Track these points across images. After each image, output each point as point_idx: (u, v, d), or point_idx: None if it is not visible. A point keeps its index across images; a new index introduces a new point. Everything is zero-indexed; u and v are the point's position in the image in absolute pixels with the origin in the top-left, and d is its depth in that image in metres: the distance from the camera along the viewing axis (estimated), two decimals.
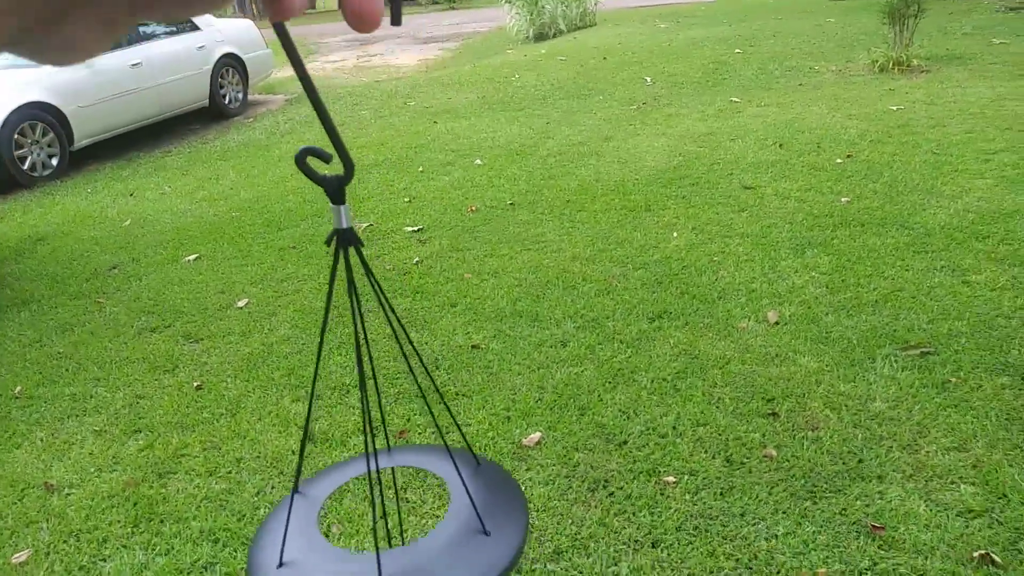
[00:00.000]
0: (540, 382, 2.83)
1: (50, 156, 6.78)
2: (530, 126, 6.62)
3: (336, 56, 14.92)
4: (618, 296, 3.42)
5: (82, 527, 2.36)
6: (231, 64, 8.73)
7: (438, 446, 0.90)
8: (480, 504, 0.78)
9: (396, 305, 3.57)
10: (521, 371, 2.92)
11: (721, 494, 2.22)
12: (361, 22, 0.37)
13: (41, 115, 6.64)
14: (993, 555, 1.93)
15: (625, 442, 2.47)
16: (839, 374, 2.70)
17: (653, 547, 2.06)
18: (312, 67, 12.22)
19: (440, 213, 4.70)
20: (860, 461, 2.29)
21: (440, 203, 4.89)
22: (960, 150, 4.75)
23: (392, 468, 0.92)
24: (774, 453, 2.35)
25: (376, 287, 0.78)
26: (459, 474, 0.81)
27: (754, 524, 2.10)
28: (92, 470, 2.63)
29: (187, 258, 4.44)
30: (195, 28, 8.35)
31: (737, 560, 1.99)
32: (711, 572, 1.96)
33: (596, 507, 2.22)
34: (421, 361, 0.86)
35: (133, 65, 7.44)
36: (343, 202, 0.66)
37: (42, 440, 2.83)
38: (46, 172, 6.73)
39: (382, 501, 0.92)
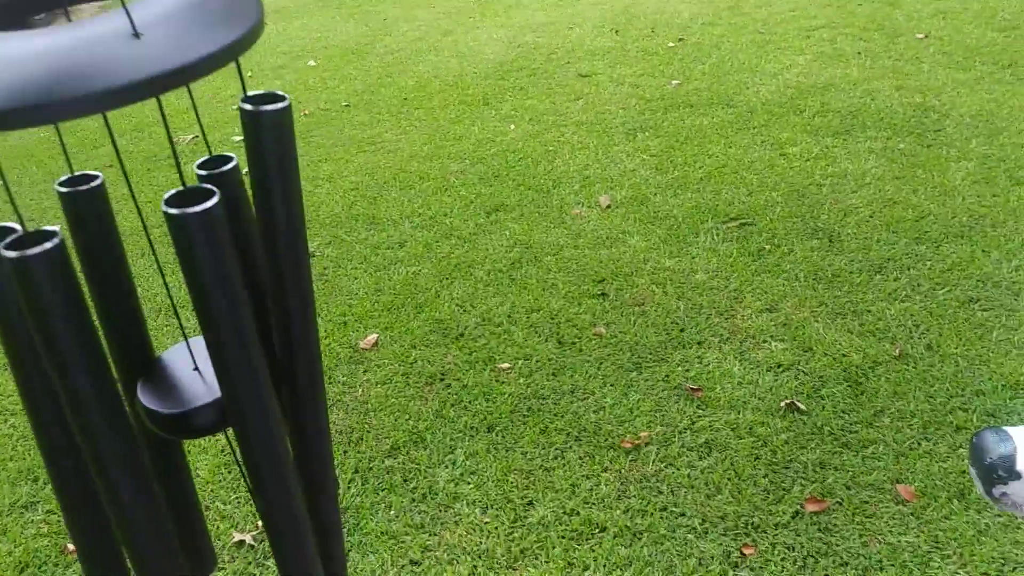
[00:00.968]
0: (377, 284, 2.79)
1: None
2: (367, 24, 6.34)
3: None
4: (456, 192, 3.39)
5: None
6: None
7: None
8: None
9: None
10: (358, 275, 2.87)
11: (553, 375, 2.28)
12: None
13: None
14: (798, 403, 2.08)
15: (462, 335, 2.49)
16: (665, 251, 2.79)
17: (488, 432, 2.11)
18: None
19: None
20: (682, 330, 2.40)
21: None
22: (783, 28, 4.90)
23: None
24: (603, 331, 2.43)
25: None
26: None
27: (584, 399, 2.18)
28: None
29: None
30: None
31: (568, 434, 2.07)
32: (543, 448, 2.03)
33: (433, 400, 2.24)
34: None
35: None
36: None
37: None
38: None
39: None
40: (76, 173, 0.66)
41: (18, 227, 0.61)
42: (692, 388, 2.17)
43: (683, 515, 1.82)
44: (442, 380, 2.31)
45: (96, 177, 0.67)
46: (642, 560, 1.72)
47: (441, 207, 3.28)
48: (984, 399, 2.03)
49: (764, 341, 2.32)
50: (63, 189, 0.66)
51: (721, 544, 1.75)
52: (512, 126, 3.97)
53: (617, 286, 2.63)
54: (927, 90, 3.77)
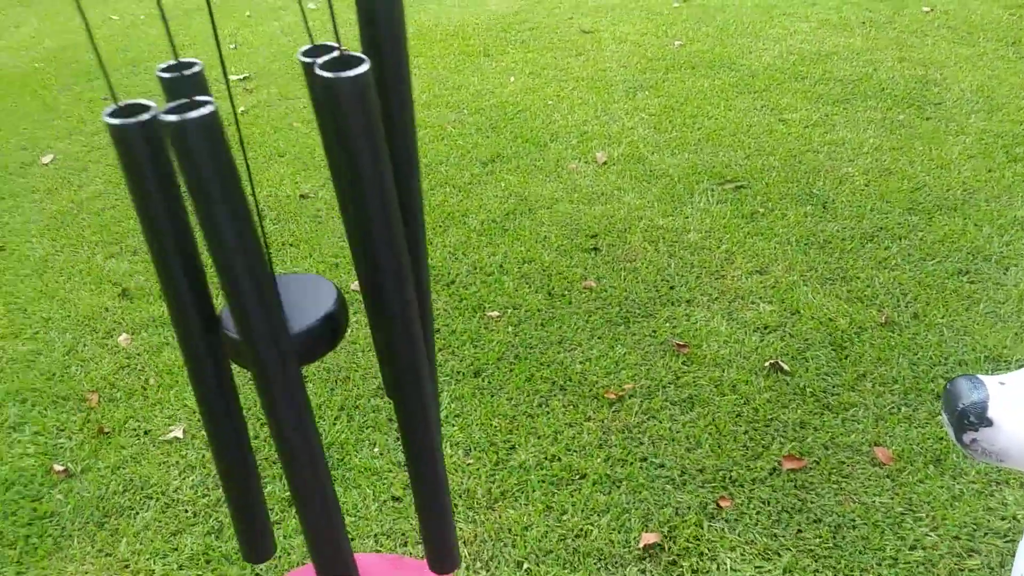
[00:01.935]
0: None
1: None
2: None
3: None
4: (452, 142, 3.36)
5: None
6: None
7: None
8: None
9: None
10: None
11: (542, 325, 2.29)
12: None
13: None
14: (782, 363, 2.10)
15: (453, 282, 2.50)
16: (659, 209, 2.79)
17: (475, 376, 2.12)
18: None
19: (268, 61, 4.41)
20: (671, 288, 2.41)
21: (269, 50, 4.58)
22: None
23: None
24: (593, 285, 2.44)
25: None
26: None
27: (570, 350, 2.20)
28: None
29: None
30: None
31: (553, 383, 2.09)
32: (528, 394, 2.05)
33: None
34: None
35: None
36: None
37: None
38: None
39: None
40: (177, 61, 0.66)
41: (151, 103, 0.60)
42: (679, 344, 2.19)
43: (662, 466, 1.85)
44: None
45: (195, 64, 0.67)
46: (619, 507, 1.75)
47: (437, 156, 3.26)
48: (966, 369, 2.05)
49: (752, 302, 2.33)
50: (165, 75, 0.66)
51: (698, 496, 1.77)
52: (512, 78, 3.93)
53: (609, 242, 2.64)
54: (929, 63, 3.76)
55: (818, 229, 2.63)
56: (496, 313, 2.35)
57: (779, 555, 1.64)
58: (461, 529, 1.71)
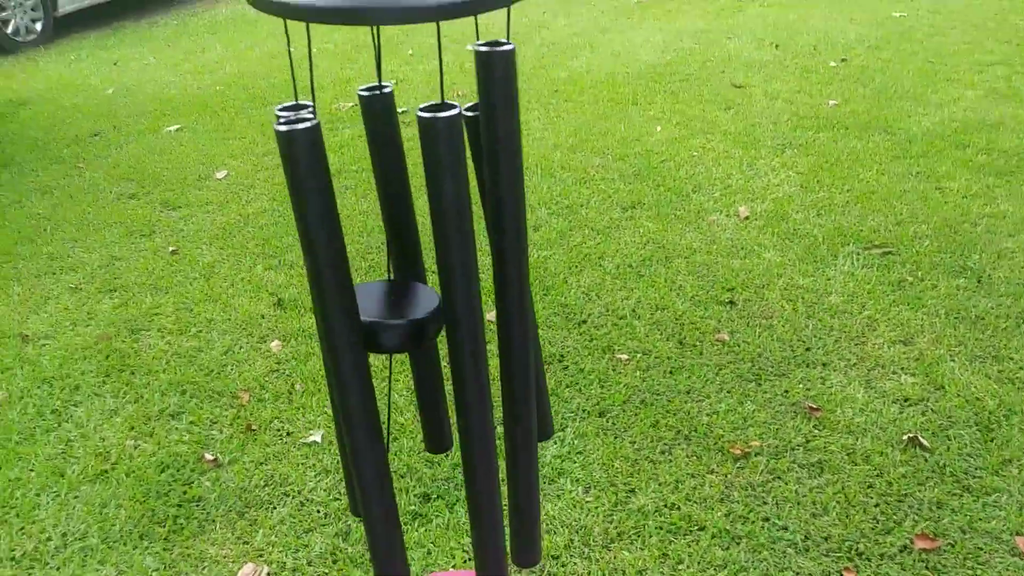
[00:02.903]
0: None
1: (34, 21, 6.62)
2: (526, 14, 6.47)
3: None
4: (595, 185, 3.44)
5: (55, 375, 2.44)
6: None
7: None
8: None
9: (373, 184, 3.59)
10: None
11: (671, 372, 2.30)
12: None
13: None
14: (922, 439, 2.02)
15: (584, 321, 2.54)
16: (800, 269, 2.75)
17: (600, 416, 2.15)
18: None
19: (426, 97, 4.65)
20: (808, 349, 2.36)
21: (427, 87, 4.83)
22: (955, 60, 4.68)
23: None
24: (726, 338, 2.43)
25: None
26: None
27: (698, 401, 2.19)
28: (67, 324, 2.69)
29: (168, 128, 4.42)
30: None
31: (677, 431, 2.09)
32: (651, 440, 2.06)
33: (550, 379, 2.30)
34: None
35: None
36: None
37: (19, 295, 2.89)
38: (30, 37, 6.59)
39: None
40: (371, 84, 0.90)
41: (308, 103, 0.81)
42: (811, 407, 2.14)
43: (785, 528, 1.81)
44: (560, 361, 2.37)
45: (388, 86, 0.89)
46: (737, 564, 1.73)
47: (579, 198, 3.33)
48: None
49: (894, 372, 2.26)
50: (364, 93, 0.88)
51: (821, 564, 1.73)
52: (659, 128, 3.98)
53: (746, 296, 2.62)
54: None
55: (971, 304, 2.52)
56: (625, 356, 2.37)
57: None
58: (575, 564, 1.74)
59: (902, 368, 2.27)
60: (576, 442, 2.07)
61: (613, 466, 1.99)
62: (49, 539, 1.88)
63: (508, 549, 1.03)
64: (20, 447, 2.16)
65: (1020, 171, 3.32)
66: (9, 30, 6.42)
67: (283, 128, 0.73)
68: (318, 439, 2.12)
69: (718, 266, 2.79)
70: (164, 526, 1.90)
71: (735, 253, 2.86)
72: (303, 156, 0.74)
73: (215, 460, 2.08)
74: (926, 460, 1.96)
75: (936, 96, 4.16)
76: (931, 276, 2.66)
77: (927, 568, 1.70)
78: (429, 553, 1.79)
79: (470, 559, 1.77)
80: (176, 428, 2.20)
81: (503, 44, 0.77)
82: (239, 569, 1.78)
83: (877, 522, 1.81)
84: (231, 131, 4.33)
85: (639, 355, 2.38)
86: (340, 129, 4.24)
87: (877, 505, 1.85)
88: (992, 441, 2.00)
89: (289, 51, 0.88)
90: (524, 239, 0.86)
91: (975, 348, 2.33)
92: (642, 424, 2.11)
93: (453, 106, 0.77)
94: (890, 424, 2.08)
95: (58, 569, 1.80)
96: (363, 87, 0.89)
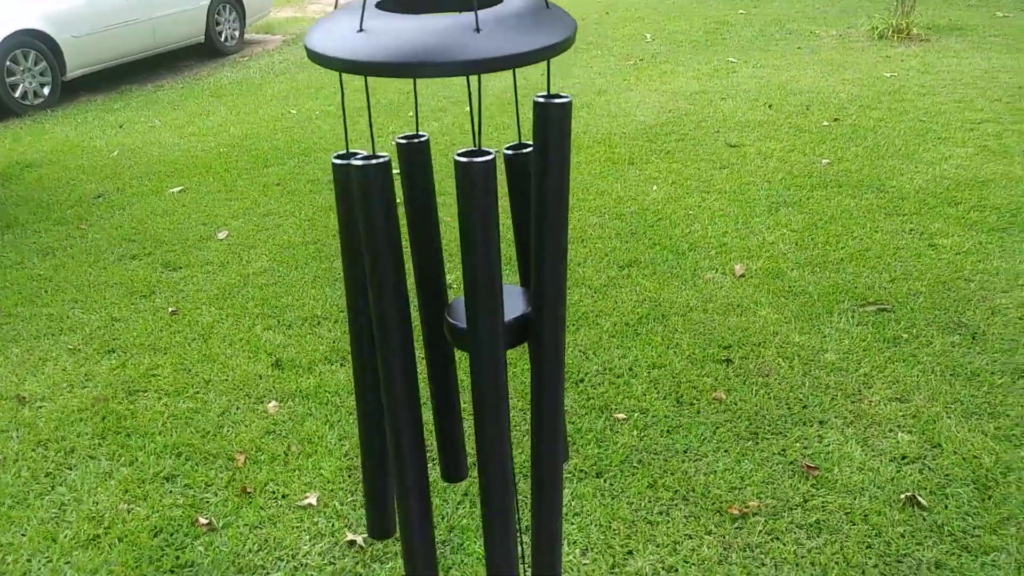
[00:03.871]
0: None
1: (42, 85, 6.76)
2: (525, 76, 6.60)
3: (322, 2, 14.73)
4: (592, 244, 3.47)
5: (51, 437, 2.43)
6: (228, 2, 8.64)
7: None
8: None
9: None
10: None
11: (668, 432, 2.30)
12: None
13: (34, 43, 6.60)
14: (920, 498, 2.01)
15: (582, 380, 2.55)
16: (796, 326, 2.76)
17: (597, 477, 2.14)
18: (313, 9, 12.10)
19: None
20: (804, 407, 2.36)
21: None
22: (946, 118, 4.77)
23: None
24: (723, 396, 2.43)
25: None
26: None
27: (696, 460, 2.18)
28: (64, 385, 2.70)
29: (172, 190, 4.48)
30: None
31: (675, 492, 2.08)
32: (649, 501, 2.05)
33: None
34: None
35: None
36: None
37: (17, 356, 2.90)
38: (38, 101, 6.72)
39: None
40: (409, 134, 0.97)
41: (362, 152, 0.89)
42: (808, 466, 2.13)
43: None
44: None
45: (423, 136, 0.96)
46: None
47: (576, 256, 3.36)
48: None
49: (890, 430, 2.25)
50: (402, 142, 0.96)
51: None
52: (655, 187, 4.03)
53: (742, 354, 2.62)
54: None
55: (966, 360, 2.53)
56: (623, 416, 2.37)
57: None
58: None
59: (899, 425, 2.27)
60: (573, 503, 2.06)
61: (611, 528, 1.98)
62: None
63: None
64: (13, 511, 2.15)
65: (1012, 227, 3.36)
66: (17, 94, 6.56)
67: (359, 163, 0.83)
68: (313, 502, 2.11)
69: (714, 324, 2.80)
70: None
71: (731, 311, 2.88)
72: (377, 188, 0.84)
73: (209, 524, 2.06)
74: (924, 519, 1.95)
75: (928, 154, 4.23)
76: (926, 333, 2.67)
77: None
78: None
79: None
80: (170, 491, 2.19)
81: (561, 97, 0.84)
82: None
83: None
84: (233, 192, 4.39)
85: (636, 414, 2.38)
86: None
87: (876, 566, 1.83)
88: (990, 499, 1.99)
89: (343, 103, 0.93)
90: (563, 283, 0.93)
91: (971, 405, 2.33)
92: (639, 484, 2.10)
93: (488, 152, 0.84)
94: (888, 483, 2.07)
95: None
96: (401, 136, 0.96)
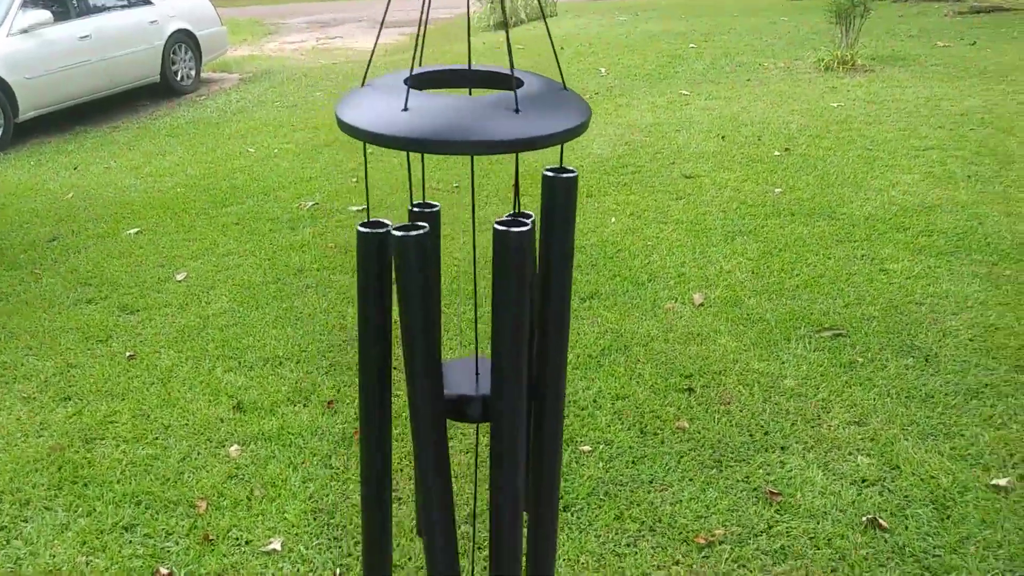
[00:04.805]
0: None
1: None
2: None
3: (296, 37, 14.77)
4: None
5: (5, 488, 2.37)
6: (184, 40, 8.62)
7: None
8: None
9: (334, 282, 3.61)
10: (452, 348, 2.99)
11: (633, 463, 2.31)
12: None
13: None
14: (881, 520, 2.05)
15: None
16: (755, 353, 2.81)
17: (564, 511, 2.15)
18: (270, 48, 12.12)
19: (386, 195, 4.73)
20: (766, 433, 2.40)
21: (388, 185, 4.92)
22: (892, 146, 4.92)
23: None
24: (687, 425, 2.45)
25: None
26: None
27: (661, 490, 2.20)
28: (18, 435, 2.63)
29: (128, 231, 4.43)
30: (147, 2, 8.23)
31: (642, 523, 2.09)
32: (616, 533, 2.05)
33: None
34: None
35: (82, 38, 7.33)
36: None
37: None
38: None
39: None
40: (421, 202, 1.00)
41: (388, 222, 0.92)
42: (772, 492, 2.16)
43: None
44: None
45: (435, 205, 1.00)
46: None
47: None
48: None
49: (850, 454, 2.29)
50: (415, 211, 0.99)
51: None
52: (613, 219, 4.09)
53: (704, 383, 2.66)
54: None
55: (920, 382, 2.59)
56: (588, 448, 2.38)
57: None
58: None
59: (858, 449, 2.31)
60: None
61: (579, 561, 1.98)
62: None
63: None
64: None
65: (959, 251, 3.46)
66: None
67: (398, 234, 0.86)
68: (278, 547, 2.08)
69: (676, 353, 2.84)
70: None
71: (691, 340, 2.92)
72: (414, 259, 0.88)
73: (170, 573, 2.02)
74: (886, 541, 1.98)
75: (876, 181, 4.35)
76: (880, 356, 2.74)
77: None
78: None
79: None
80: (130, 541, 2.14)
81: (568, 171, 0.88)
82: None
83: None
84: (191, 232, 4.35)
85: (601, 446, 2.39)
86: (301, 228, 4.30)
87: None
88: (948, 519, 2.03)
89: (366, 174, 0.95)
90: (566, 333, 0.99)
91: (926, 426, 2.38)
92: (606, 517, 2.11)
93: (524, 222, 0.88)
94: (849, 506, 2.11)
95: None
96: (415, 204, 0.99)
